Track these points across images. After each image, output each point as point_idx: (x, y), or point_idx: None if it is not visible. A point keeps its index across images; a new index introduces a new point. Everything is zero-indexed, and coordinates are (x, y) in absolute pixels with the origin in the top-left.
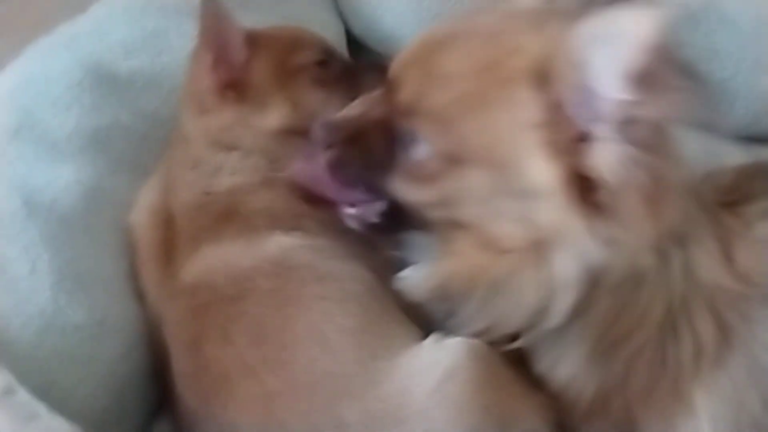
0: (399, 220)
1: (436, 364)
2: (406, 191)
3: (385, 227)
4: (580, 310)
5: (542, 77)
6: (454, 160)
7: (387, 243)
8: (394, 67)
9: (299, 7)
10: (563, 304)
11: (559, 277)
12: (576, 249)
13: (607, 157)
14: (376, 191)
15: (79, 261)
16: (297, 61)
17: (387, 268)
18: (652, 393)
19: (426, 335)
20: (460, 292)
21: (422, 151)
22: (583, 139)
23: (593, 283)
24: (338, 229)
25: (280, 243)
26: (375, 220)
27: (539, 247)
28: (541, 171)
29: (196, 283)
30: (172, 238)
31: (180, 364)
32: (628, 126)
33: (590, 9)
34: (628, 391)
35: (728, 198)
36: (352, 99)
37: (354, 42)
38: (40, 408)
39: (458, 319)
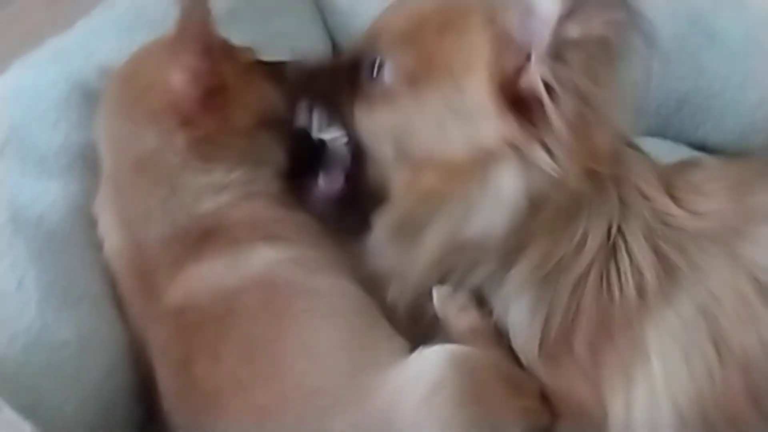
0: (359, 183)
1: (422, 378)
2: (366, 119)
3: (348, 199)
4: (520, 243)
5: (494, 9)
6: (413, 80)
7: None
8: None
9: (287, 23)
10: (503, 220)
11: (499, 193)
12: (512, 167)
13: (540, 77)
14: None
15: (66, 277)
16: (248, 58)
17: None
18: (608, 328)
19: (412, 345)
20: (414, 219)
21: (385, 73)
22: (524, 62)
23: (532, 209)
24: (318, 234)
25: (264, 257)
26: (338, 187)
27: (484, 166)
28: (481, 90)
29: (182, 304)
30: (147, 270)
31: (167, 384)
32: (563, 46)
33: None
34: (585, 326)
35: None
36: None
37: None
38: (26, 426)
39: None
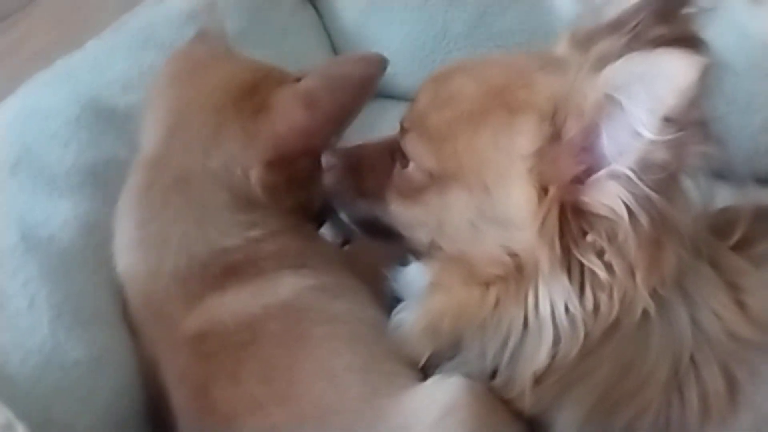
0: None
1: (435, 402)
2: (396, 209)
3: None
4: (579, 373)
5: (549, 113)
6: (437, 176)
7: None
8: (416, 93)
9: (294, 44)
10: (544, 344)
11: (538, 314)
12: (551, 284)
13: (615, 195)
14: (370, 214)
15: (78, 296)
16: None
17: (386, 302)
18: None
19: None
20: (449, 331)
21: (412, 165)
22: (581, 178)
23: (581, 333)
24: (339, 262)
25: (289, 284)
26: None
27: (521, 282)
28: (523, 201)
29: (203, 332)
30: (160, 300)
31: (185, 406)
32: (647, 167)
33: (613, 56)
34: None
35: (730, 240)
36: None
37: None
38: None
39: (452, 364)
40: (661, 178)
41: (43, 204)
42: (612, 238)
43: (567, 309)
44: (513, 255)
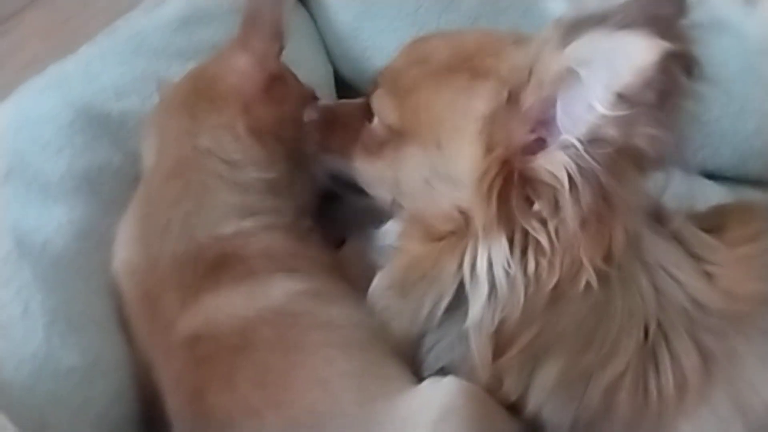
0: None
1: (431, 404)
2: (360, 164)
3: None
4: (544, 342)
5: (509, 80)
6: (396, 131)
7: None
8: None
9: (290, 51)
10: (478, 299)
11: (474, 268)
12: (489, 243)
13: (560, 164)
14: (337, 170)
15: (72, 302)
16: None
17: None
18: (637, 427)
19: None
20: (402, 287)
21: (375, 120)
22: (532, 149)
23: (539, 303)
24: (331, 267)
25: (281, 288)
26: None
27: (463, 235)
28: (471, 160)
29: (197, 334)
30: (155, 293)
31: (180, 411)
32: (594, 140)
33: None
34: (613, 422)
35: (705, 225)
36: None
37: (342, 84)
38: None
39: (433, 353)
40: (608, 154)
41: (37, 210)
42: (556, 208)
43: (505, 269)
44: (461, 212)
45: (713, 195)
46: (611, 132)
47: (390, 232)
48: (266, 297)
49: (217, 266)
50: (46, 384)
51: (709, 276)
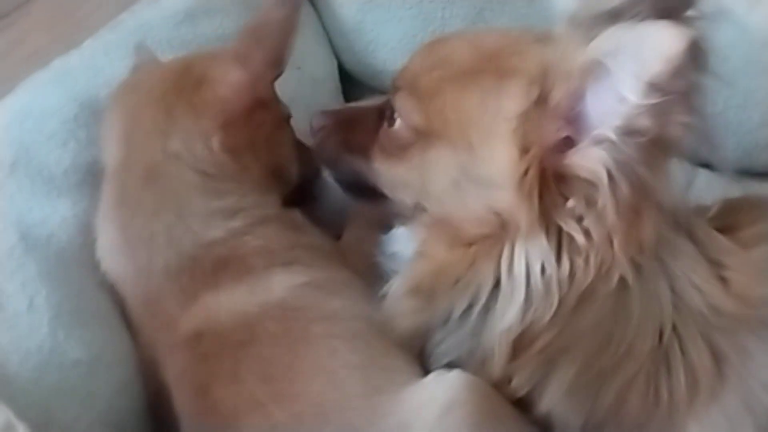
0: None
1: (436, 398)
2: (381, 167)
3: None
4: (563, 344)
5: (538, 78)
6: (422, 133)
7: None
8: (411, 55)
9: (294, 44)
10: (515, 303)
11: (511, 272)
12: (528, 244)
13: (597, 160)
14: (355, 174)
15: (77, 296)
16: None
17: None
18: (647, 428)
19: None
20: (429, 294)
21: (398, 123)
22: (565, 146)
23: (567, 303)
24: (331, 256)
25: (282, 282)
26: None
27: (498, 239)
28: (505, 160)
29: (200, 331)
30: (155, 299)
31: (185, 406)
32: (629, 132)
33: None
34: (622, 423)
35: (719, 224)
36: None
37: (347, 77)
38: None
39: (442, 347)
40: (644, 146)
41: (42, 204)
42: (591, 203)
43: (543, 270)
44: (496, 214)
45: (718, 188)
46: (645, 122)
47: (400, 237)
48: (267, 291)
49: (214, 269)
50: (51, 377)
51: (723, 280)
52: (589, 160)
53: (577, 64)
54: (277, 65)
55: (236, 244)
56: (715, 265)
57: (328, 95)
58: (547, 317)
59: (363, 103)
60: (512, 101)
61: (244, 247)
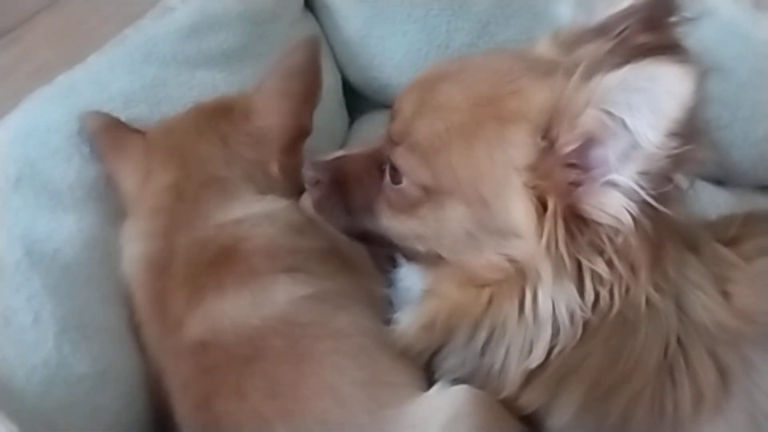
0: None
1: (440, 412)
2: (389, 222)
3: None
4: (573, 363)
5: (541, 125)
6: (432, 191)
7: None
8: (397, 99)
9: None
10: (542, 340)
11: (537, 313)
12: (553, 287)
13: (620, 206)
14: (361, 228)
15: (82, 311)
16: None
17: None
18: None
19: (430, 383)
20: (445, 331)
21: (405, 181)
22: (577, 183)
23: (580, 328)
24: (335, 264)
25: (286, 293)
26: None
27: (517, 282)
28: (522, 213)
29: (204, 341)
30: (165, 290)
31: (188, 418)
32: (650, 177)
33: (602, 65)
34: None
35: (724, 237)
36: None
37: (351, 91)
38: None
39: (449, 363)
40: (660, 182)
41: (47, 219)
42: (612, 240)
43: (569, 307)
44: (513, 261)
45: (725, 202)
46: (663, 164)
47: (408, 274)
48: (271, 303)
49: (219, 261)
50: (58, 391)
51: (727, 295)
52: (609, 206)
53: (583, 110)
54: (313, 97)
55: (242, 236)
56: (719, 279)
57: (332, 109)
58: (571, 346)
59: (354, 151)
60: (519, 150)
61: (249, 242)
